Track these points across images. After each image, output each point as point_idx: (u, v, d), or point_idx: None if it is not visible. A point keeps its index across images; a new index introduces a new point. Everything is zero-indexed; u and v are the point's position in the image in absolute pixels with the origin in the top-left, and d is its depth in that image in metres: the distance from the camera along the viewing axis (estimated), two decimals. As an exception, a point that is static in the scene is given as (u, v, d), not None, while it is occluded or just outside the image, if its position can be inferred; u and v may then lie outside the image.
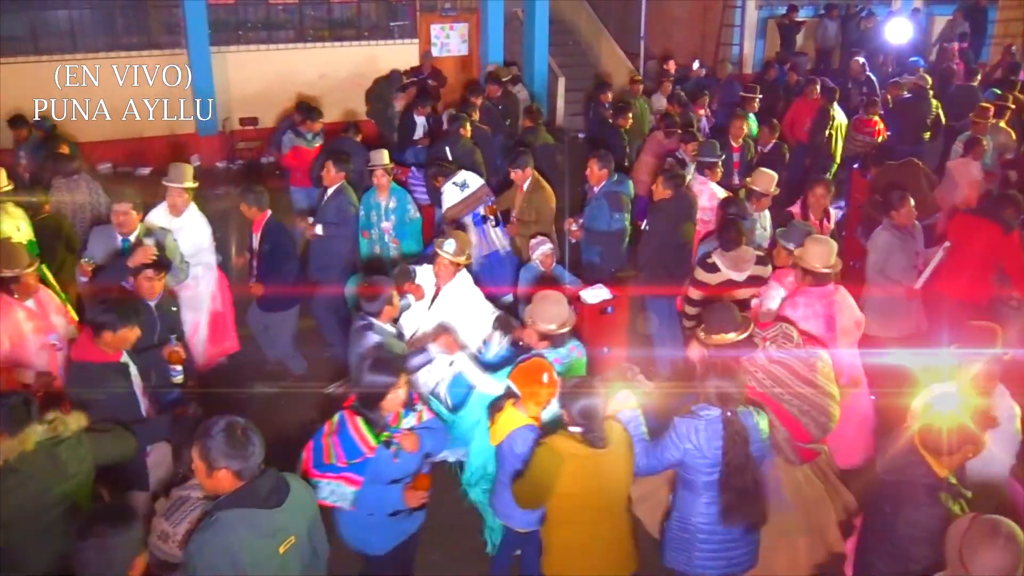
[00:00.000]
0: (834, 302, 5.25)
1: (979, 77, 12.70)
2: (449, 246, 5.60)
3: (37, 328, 4.98)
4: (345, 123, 10.11)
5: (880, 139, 10.46)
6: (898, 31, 15.42)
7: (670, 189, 6.94)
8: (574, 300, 6.77)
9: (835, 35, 16.31)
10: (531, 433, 4.14)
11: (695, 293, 6.11)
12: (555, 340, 4.79)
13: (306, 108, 9.60)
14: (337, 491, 4.01)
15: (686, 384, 4.68)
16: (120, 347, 4.38)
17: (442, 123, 10.61)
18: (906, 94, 11.20)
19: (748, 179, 7.31)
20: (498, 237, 7.34)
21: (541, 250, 6.64)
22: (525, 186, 7.43)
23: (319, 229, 7.06)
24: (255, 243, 6.71)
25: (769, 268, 6.04)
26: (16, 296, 4.94)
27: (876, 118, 10.64)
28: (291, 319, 6.94)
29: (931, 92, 10.98)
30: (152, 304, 5.33)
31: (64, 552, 3.73)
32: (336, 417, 4.09)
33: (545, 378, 4.17)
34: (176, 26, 13.03)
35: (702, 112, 11.10)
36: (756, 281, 5.99)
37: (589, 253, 7.58)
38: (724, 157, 8.19)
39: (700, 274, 6.12)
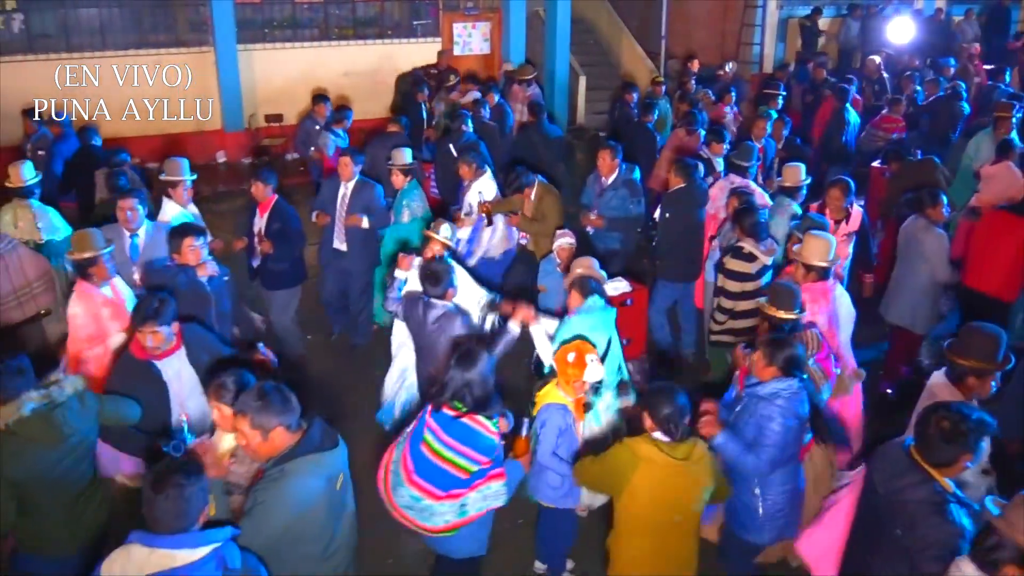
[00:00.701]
0: (834, 296, 5.37)
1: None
2: (445, 230, 6.01)
3: (113, 314, 5.14)
4: (385, 118, 10.30)
5: (897, 136, 10.46)
6: (900, 31, 15.50)
7: (682, 179, 7.12)
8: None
9: (857, 35, 16.34)
10: (559, 411, 4.29)
11: (734, 286, 6.11)
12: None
13: (340, 107, 9.82)
14: (490, 494, 3.95)
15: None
16: (147, 346, 4.35)
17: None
18: (917, 94, 11.27)
19: (779, 178, 7.44)
20: (494, 241, 7.73)
21: (559, 243, 6.74)
22: (533, 195, 7.58)
23: (365, 222, 7.16)
24: (261, 225, 6.80)
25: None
26: (93, 281, 5.11)
27: (899, 115, 10.66)
28: (293, 297, 7.13)
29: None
30: (204, 279, 5.40)
31: (91, 523, 3.98)
32: (428, 428, 3.95)
33: (570, 357, 4.28)
34: (203, 24, 13.25)
35: (726, 110, 11.11)
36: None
37: (607, 241, 7.69)
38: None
39: (736, 264, 6.10)
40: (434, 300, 5.19)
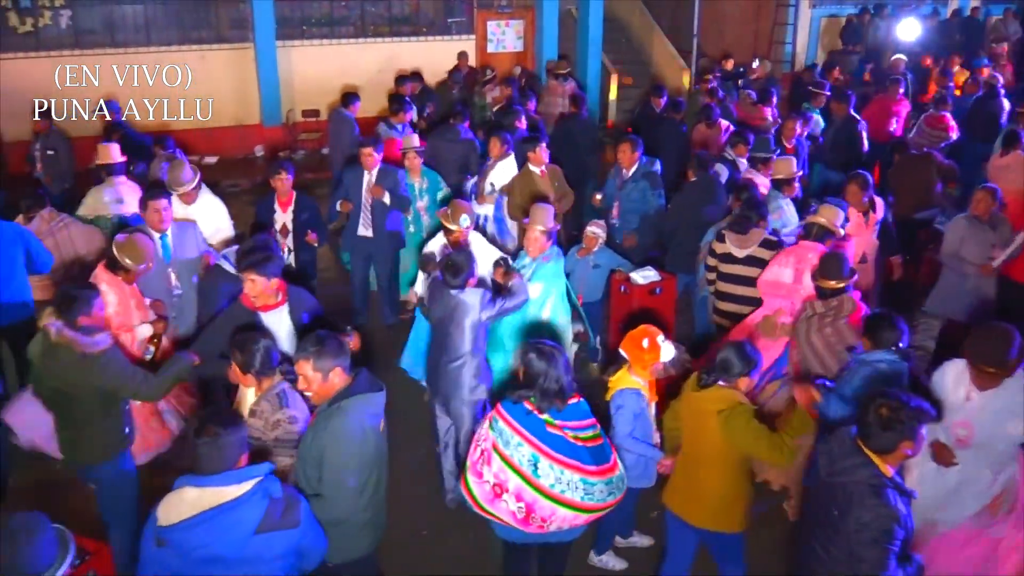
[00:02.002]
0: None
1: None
2: (464, 220, 6.02)
3: (138, 304, 5.41)
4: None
5: (953, 135, 10.38)
6: (908, 30, 15.57)
7: (694, 174, 7.49)
8: (624, 282, 7.10)
9: (885, 33, 16.32)
10: (633, 395, 4.49)
11: (709, 260, 6.53)
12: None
13: (397, 100, 10.00)
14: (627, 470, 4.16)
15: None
16: (254, 296, 4.67)
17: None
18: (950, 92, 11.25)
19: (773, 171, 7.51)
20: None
21: (588, 230, 6.91)
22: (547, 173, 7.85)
23: (387, 198, 7.36)
24: (285, 220, 6.88)
25: (772, 253, 6.27)
26: (125, 279, 5.34)
27: (948, 114, 10.52)
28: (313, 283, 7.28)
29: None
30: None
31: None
32: (559, 427, 3.93)
33: (645, 343, 4.52)
34: (244, 21, 13.59)
35: (767, 112, 10.92)
36: (755, 262, 6.22)
37: (628, 231, 7.86)
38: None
39: (713, 242, 6.53)
40: (452, 291, 5.17)
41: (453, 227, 6.00)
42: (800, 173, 7.32)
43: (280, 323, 4.74)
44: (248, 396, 4.03)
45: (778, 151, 8.21)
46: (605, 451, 3.97)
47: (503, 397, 4.05)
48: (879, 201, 6.97)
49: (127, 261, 5.23)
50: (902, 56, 13.45)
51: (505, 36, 15.50)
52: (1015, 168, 8.14)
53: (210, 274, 5.46)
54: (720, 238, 6.43)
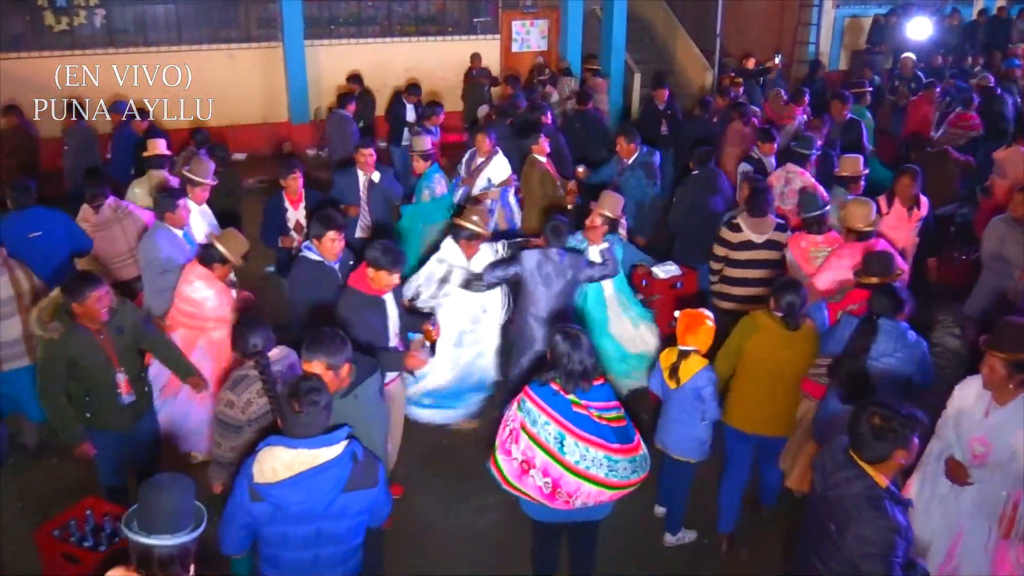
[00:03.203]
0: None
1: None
2: (477, 223, 6.15)
3: (230, 298, 5.67)
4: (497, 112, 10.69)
5: (975, 134, 10.40)
6: (918, 29, 15.57)
7: (696, 167, 7.79)
8: (646, 275, 7.22)
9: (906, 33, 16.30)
10: (710, 372, 4.86)
11: (719, 250, 6.66)
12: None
13: (430, 103, 10.22)
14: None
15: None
16: (382, 286, 5.00)
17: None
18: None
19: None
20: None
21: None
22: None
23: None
24: (299, 217, 6.98)
25: (788, 234, 6.57)
26: (216, 272, 5.53)
27: (973, 112, 10.52)
28: None
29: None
30: (335, 266, 5.49)
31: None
32: (585, 407, 4.08)
33: (709, 322, 4.90)
34: (272, 21, 13.82)
35: (800, 110, 10.79)
36: (773, 245, 6.53)
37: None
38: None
39: (724, 232, 6.65)
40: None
41: (478, 229, 6.15)
42: (866, 172, 7.37)
43: (392, 304, 5.21)
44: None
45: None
46: (629, 432, 4.12)
47: (531, 379, 4.22)
48: (924, 199, 7.01)
49: (227, 253, 5.45)
50: (911, 55, 13.46)
51: (530, 36, 15.65)
52: (1015, 161, 8.27)
53: (298, 264, 5.54)
54: (733, 228, 6.57)
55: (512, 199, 8.34)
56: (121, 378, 4.65)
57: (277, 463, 3.21)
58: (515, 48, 15.42)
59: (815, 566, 3.48)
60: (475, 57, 14.10)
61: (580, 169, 8.59)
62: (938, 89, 11.37)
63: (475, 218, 6.13)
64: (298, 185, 7.01)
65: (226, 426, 4.06)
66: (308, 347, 3.80)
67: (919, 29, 15.52)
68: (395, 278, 5.04)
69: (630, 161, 8.03)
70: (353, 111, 10.80)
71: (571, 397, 4.05)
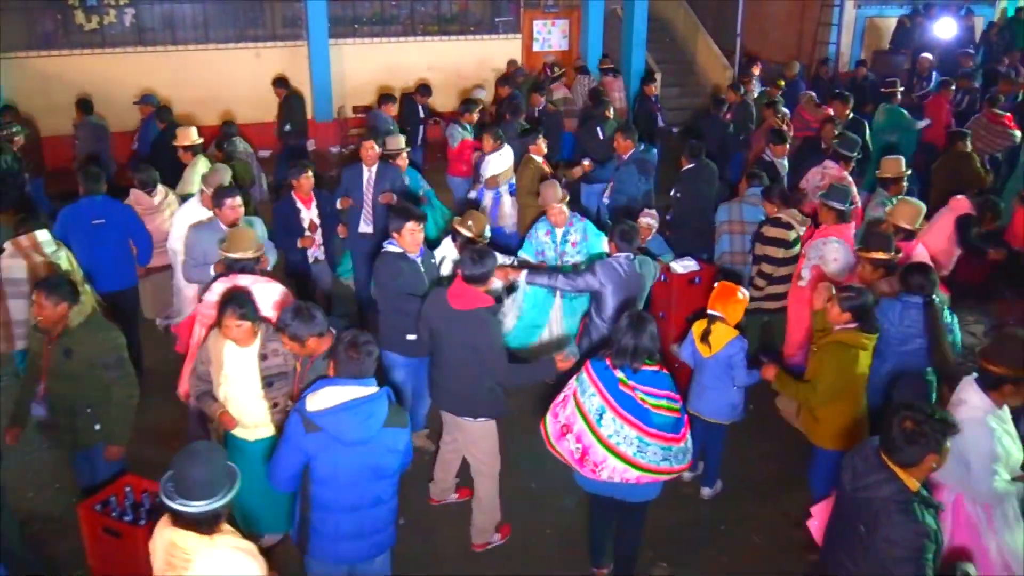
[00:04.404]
0: (917, 255, 5.99)
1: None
2: (477, 225, 6.16)
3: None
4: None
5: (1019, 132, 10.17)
6: (944, 30, 15.60)
7: (689, 161, 8.02)
8: (664, 271, 7.32)
9: (929, 34, 16.26)
10: (742, 341, 5.15)
11: (777, 252, 6.62)
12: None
13: (466, 101, 10.25)
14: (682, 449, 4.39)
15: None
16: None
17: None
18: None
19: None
20: (507, 215, 8.36)
21: (640, 221, 7.13)
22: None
23: (395, 199, 7.46)
24: (312, 216, 7.01)
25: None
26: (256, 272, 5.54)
27: (1004, 112, 10.29)
28: (329, 272, 7.44)
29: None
30: (418, 259, 5.56)
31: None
32: (635, 389, 4.24)
33: (741, 295, 5.21)
34: (297, 20, 14.03)
35: (847, 112, 10.46)
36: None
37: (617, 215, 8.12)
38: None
39: (775, 232, 6.62)
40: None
41: (463, 229, 6.14)
42: (908, 172, 7.44)
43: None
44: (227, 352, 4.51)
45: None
46: (677, 424, 4.29)
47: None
48: (960, 199, 7.13)
49: (240, 255, 5.37)
50: (928, 55, 13.47)
51: (551, 35, 15.78)
52: None
53: (381, 258, 5.57)
54: (786, 226, 6.57)
55: (507, 197, 8.40)
56: (39, 390, 4.68)
57: (330, 396, 3.65)
58: (536, 48, 15.55)
59: (846, 566, 3.47)
60: (511, 63, 14.26)
61: (586, 163, 8.88)
62: (953, 87, 11.36)
63: (469, 223, 6.15)
64: (310, 185, 6.98)
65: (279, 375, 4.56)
66: (303, 323, 4.32)
67: (946, 29, 15.53)
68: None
69: (626, 157, 8.24)
70: (394, 113, 10.71)
71: (620, 376, 4.27)
